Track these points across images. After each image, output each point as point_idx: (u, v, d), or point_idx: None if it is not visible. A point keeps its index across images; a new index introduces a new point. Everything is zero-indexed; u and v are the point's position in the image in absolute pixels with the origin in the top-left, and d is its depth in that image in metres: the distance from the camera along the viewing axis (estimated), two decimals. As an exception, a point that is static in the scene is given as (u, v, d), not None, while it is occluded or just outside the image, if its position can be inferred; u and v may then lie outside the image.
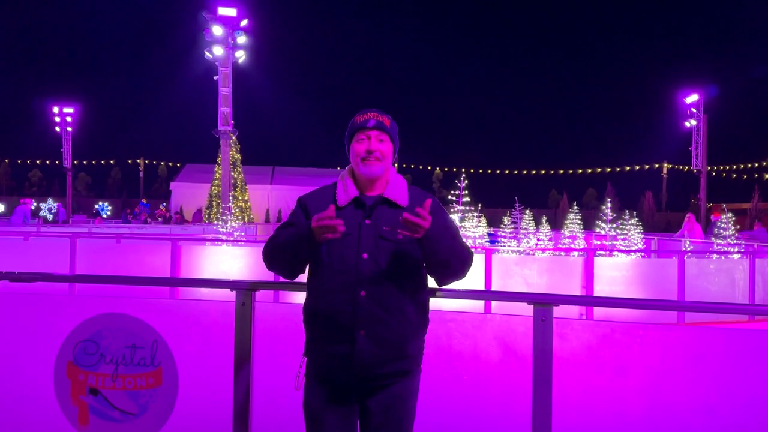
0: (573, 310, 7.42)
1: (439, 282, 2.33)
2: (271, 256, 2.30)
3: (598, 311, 7.19)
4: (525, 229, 15.66)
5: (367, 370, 2.17)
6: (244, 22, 21.16)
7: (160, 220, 28.02)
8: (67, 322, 2.90)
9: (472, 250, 2.35)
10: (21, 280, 2.93)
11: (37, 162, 65.27)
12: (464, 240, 2.38)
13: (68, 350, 2.88)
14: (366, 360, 2.15)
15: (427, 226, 2.08)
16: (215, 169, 31.94)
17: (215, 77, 21.60)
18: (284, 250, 2.25)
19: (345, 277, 2.16)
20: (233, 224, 12.81)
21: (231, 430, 2.69)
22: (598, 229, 14.75)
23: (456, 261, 2.25)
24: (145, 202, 32.46)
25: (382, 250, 2.18)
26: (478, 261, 8.16)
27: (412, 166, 61.05)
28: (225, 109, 21.52)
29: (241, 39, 21.21)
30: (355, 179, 2.32)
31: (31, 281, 2.96)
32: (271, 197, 35.31)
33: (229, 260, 8.72)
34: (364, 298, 2.14)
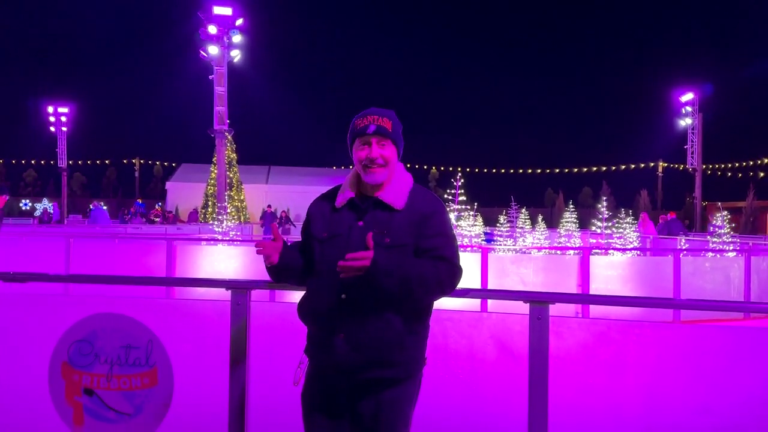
0: (569, 309, 7.42)
1: None
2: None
3: (594, 310, 7.20)
4: (521, 227, 15.69)
5: (349, 374, 2.15)
6: (239, 21, 21.12)
7: (157, 220, 27.87)
8: (61, 323, 2.88)
9: (460, 266, 2.21)
10: (15, 280, 2.91)
11: (32, 162, 64.94)
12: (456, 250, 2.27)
13: (63, 350, 2.86)
14: (345, 364, 2.13)
15: (366, 264, 2.01)
16: (211, 168, 31.85)
17: (210, 77, 21.56)
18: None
19: (330, 278, 2.13)
20: (229, 224, 12.80)
21: (227, 430, 2.68)
22: (593, 228, 14.78)
23: (424, 291, 2.13)
24: (140, 201, 32.34)
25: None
26: (474, 260, 8.16)
27: (408, 165, 60.59)
28: (220, 109, 21.47)
29: (237, 38, 21.18)
30: (360, 180, 2.29)
31: (25, 281, 2.94)
32: (267, 197, 35.22)
33: (225, 260, 8.71)
34: (344, 301, 2.12)
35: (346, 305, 2.12)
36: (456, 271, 2.18)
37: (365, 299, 2.11)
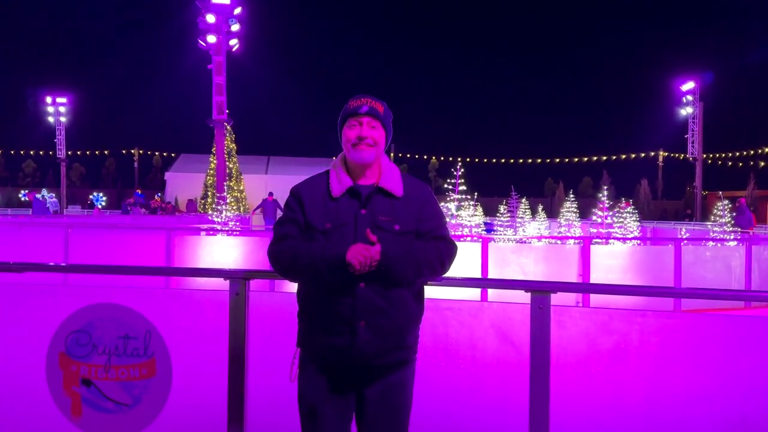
0: (569, 298, 7.42)
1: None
2: (286, 272, 2.24)
3: (595, 299, 7.19)
4: (521, 217, 15.69)
5: (367, 360, 2.16)
6: (237, 10, 21.00)
7: (161, 212, 27.79)
8: (58, 313, 2.86)
9: (455, 242, 2.33)
10: (11, 270, 2.89)
11: (31, 152, 64.80)
12: (451, 233, 2.36)
13: (60, 341, 2.84)
14: (366, 351, 2.14)
15: (377, 257, 2.07)
16: (210, 158, 31.79)
17: (209, 66, 21.46)
18: (306, 272, 2.17)
19: None
20: (228, 214, 12.78)
21: (226, 420, 2.67)
22: (594, 218, 14.77)
23: (430, 271, 2.23)
24: (140, 192, 32.29)
25: (379, 240, 2.14)
26: (474, 250, 8.14)
27: (408, 156, 60.85)
28: (219, 98, 21.40)
29: (235, 27, 21.06)
30: (348, 167, 2.29)
31: (21, 271, 2.92)
32: (266, 187, 35.17)
33: (224, 250, 8.69)
34: (363, 289, 2.13)
35: (364, 293, 2.13)
36: (453, 248, 2.30)
37: (381, 285, 2.14)
